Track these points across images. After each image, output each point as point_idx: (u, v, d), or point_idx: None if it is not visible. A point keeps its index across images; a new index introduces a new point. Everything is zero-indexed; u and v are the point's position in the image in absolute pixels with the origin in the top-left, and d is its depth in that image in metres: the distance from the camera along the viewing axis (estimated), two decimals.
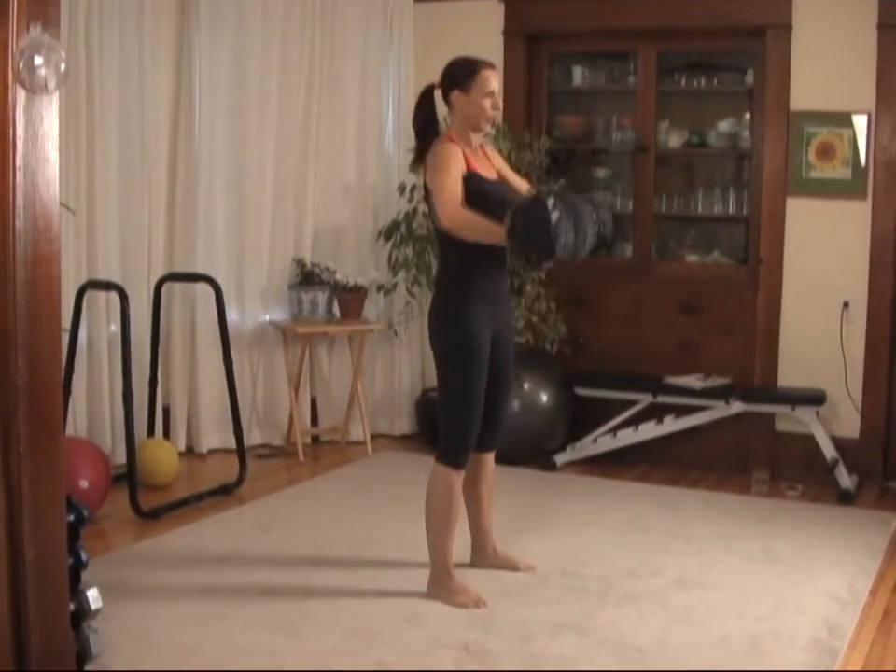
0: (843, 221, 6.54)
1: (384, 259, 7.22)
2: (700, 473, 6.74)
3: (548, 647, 4.21)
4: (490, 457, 4.92)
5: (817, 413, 6.42)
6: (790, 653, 4.17)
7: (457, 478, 4.63)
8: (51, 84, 3.18)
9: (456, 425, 4.60)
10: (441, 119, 4.74)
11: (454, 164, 4.50)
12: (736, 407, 6.56)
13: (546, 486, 6.40)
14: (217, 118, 6.91)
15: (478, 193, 4.51)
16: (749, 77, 6.86)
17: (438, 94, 4.71)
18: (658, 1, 6.80)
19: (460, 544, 4.81)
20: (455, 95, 4.63)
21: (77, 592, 3.84)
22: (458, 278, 4.61)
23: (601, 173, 7.44)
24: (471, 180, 4.53)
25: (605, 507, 6.02)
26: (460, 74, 4.65)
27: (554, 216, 4.24)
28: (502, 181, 4.79)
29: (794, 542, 5.44)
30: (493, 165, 4.80)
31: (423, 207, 7.02)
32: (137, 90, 6.54)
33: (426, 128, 4.70)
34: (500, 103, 4.73)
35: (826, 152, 6.54)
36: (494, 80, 4.64)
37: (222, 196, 6.98)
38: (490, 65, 4.67)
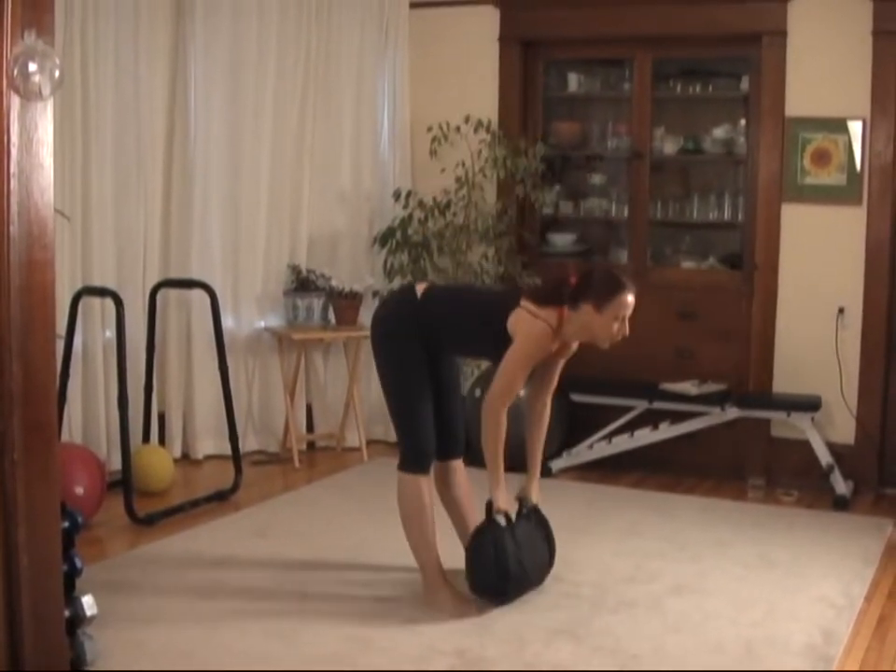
0: (838, 227, 6.55)
1: (379, 266, 7.22)
2: (696, 479, 6.74)
3: (543, 653, 4.21)
4: (458, 464, 4.93)
5: (812, 419, 6.42)
6: (785, 659, 4.17)
7: (424, 482, 4.66)
8: (46, 90, 3.19)
9: (407, 430, 4.65)
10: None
11: (536, 355, 4.52)
12: (732, 413, 6.56)
13: (541, 493, 6.36)
14: (212, 124, 6.91)
15: None
16: (745, 84, 6.86)
17: None
18: (653, 8, 6.81)
19: (454, 550, 4.81)
20: (587, 309, 4.45)
21: (71, 598, 3.84)
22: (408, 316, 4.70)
23: (596, 179, 7.44)
24: None
25: (600, 513, 6.02)
26: (600, 290, 4.46)
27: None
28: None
29: (790, 548, 5.44)
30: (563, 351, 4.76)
31: (418, 213, 7.05)
32: (132, 96, 6.54)
33: (561, 295, 4.53)
34: (628, 328, 4.51)
35: (821, 158, 6.54)
36: (630, 306, 4.47)
37: (217, 202, 6.97)
38: (632, 289, 4.47)
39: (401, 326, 4.68)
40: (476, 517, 4.93)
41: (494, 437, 4.55)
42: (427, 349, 4.65)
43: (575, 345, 4.76)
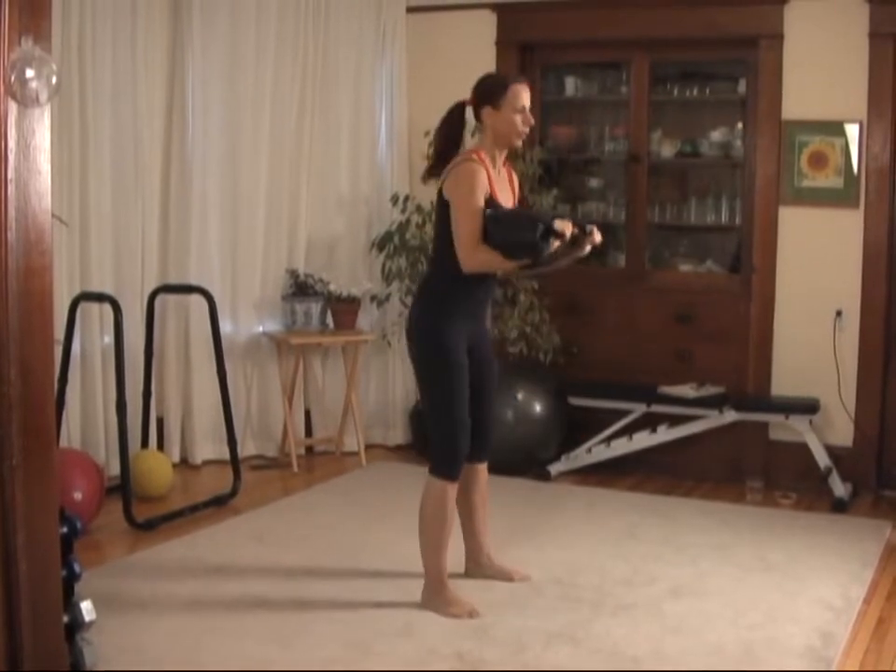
0: (835, 230, 6.55)
1: (377, 270, 7.23)
2: (694, 482, 6.74)
3: (542, 657, 4.21)
4: (482, 468, 4.92)
5: (810, 422, 6.43)
6: (784, 661, 4.18)
7: (451, 490, 4.63)
8: (43, 97, 3.18)
9: (445, 437, 4.60)
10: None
11: (479, 191, 4.51)
12: (730, 416, 6.56)
13: (540, 496, 6.40)
14: (210, 129, 6.92)
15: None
16: (742, 87, 6.87)
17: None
18: (651, 11, 6.82)
19: (454, 554, 4.81)
20: (487, 112, 4.64)
21: (70, 604, 3.83)
22: (444, 292, 4.62)
23: (594, 182, 7.45)
24: (489, 206, 4.53)
25: (599, 516, 6.02)
26: (491, 89, 4.65)
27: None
28: (518, 207, 4.84)
29: (788, 551, 5.45)
30: (513, 187, 4.81)
31: (416, 218, 7.04)
32: (130, 102, 6.54)
33: (448, 144, 4.72)
34: (531, 118, 4.68)
35: (818, 161, 6.55)
36: (525, 95, 4.63)
37: (215, 207, 6.98)
38: (521, 80, 4.67)
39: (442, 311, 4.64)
40: (487, 523, 4.98)
41: (487, 267, 4.55)
42: (468, 336, 4.64)
43: (515, 181, 4.87)
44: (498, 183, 4.66)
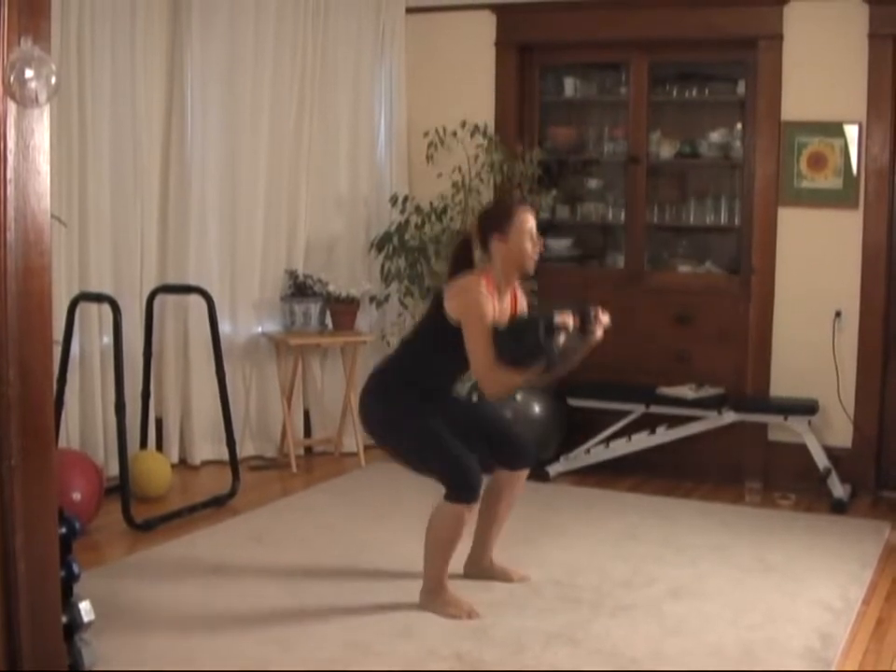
0: (835, 231, 6.55)
1: (376, 271, 7.23)
2: (693, 483, 6.74)
3: (541, 657, 4.21)
4: (520, 476, 4.88)
5: (809, 423, 6.43)
6: (783, 662, 4.18)
7: (467, 513, 4.56)
8: (42, 97, 3.18)
9: (446, 464, 4.54)
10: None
11: (488, 317, 4.51)
12: (729, 417, 6.56)
13: (539, 497, 6.39)
14: (209, 129, 6.92)
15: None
16: (741, 88, 6.87)
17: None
18: (650, 12, 6.82)
19: (454, 554, 4.81)
20: (495, 242, 4.61)
21: (69, 604, 3.83)
22: (413, 389, 4.66)
23: (593, 183, 7.44)
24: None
25: (598, 517, 6.02)
26: (497, 219, 4.63)
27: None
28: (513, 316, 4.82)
29: (787, 552, 5.45)
30: (515, 309, 4.78)
31: (415, 218, 7.06)
32: (129, 102, 6.54)
33: (460, 271, 4.69)
34: (540, 241, 4.68)
35: (817, 162, 6.55)
36: (531, 219, 4.63)
37: (214, 208, 6.98)
38: (524, 204, 4.71)
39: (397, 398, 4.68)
40: (502, 530, 4.99)
41: (508, 379, 4.52)
42: (428, 402, 4.66)
43: (523, 300, 4.84)
44: (502, 308, 4.65)
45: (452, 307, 4.56)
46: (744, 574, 5.15)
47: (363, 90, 7.39)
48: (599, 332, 4.66)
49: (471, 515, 4.61)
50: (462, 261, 4.74)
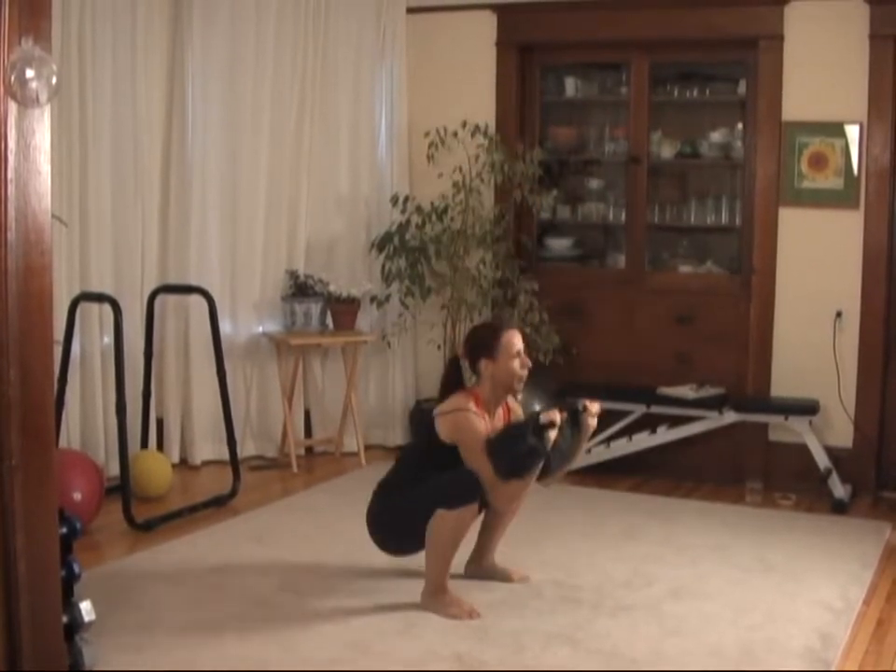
0: (835, 231, 6.55)
1: (377, 271, 7.23)
2: (694, 483, 6.74)
3: (541, 658, 4.21)
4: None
5: (810, 423, 6.43)
6: (783, 663, 4.17)
7: (469, 515, 4.58)
8: (43, 97, 3.19)
9: (438, 489, 4.56)
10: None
11: (481, 434, 4.55)
12: (730, 417, 6.56)
13: (539, 497, 6.34)
14: (209, 129, 6.92)
15: None
16: (742, 88, 6.87)
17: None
18: (651, 12, 6.82)
19: (458, 557, 4.81)
20: (483, 364, 4.64)
21: (69, 604, 3.84)
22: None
23: (594, 183, 7.44)
24: None
25: (598, 517, 6.02)
26: (484, 342, 4.65)
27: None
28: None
29: (788, 552, 5.45)
30: (510, 420, 4.80)
31: (416, 218, 7.06)
32: (130, 102, 6.54)
33: (451, 391, 4.71)
34: (528, 360, 4.69)
35: (818, 162, 6.55)
36: (518, 340, 4.65)
37: (215, 208, 6.98)
38: (511, 325, 4.75)
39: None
40: (506, 533, 5.01)
41: (513, 490, 4.59)
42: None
43: (518, 408, 4.90)
44: (490, 425, 4.68)
45: (443, 430, 4.60)
46: (744, 574, 5.15)
47: (364, 89, 7.39)
48: (593, 422, 4.72)
49: (473, 516, 4.61)
50: (453, 382, 4.76)
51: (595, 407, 4.71)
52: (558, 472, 4.78)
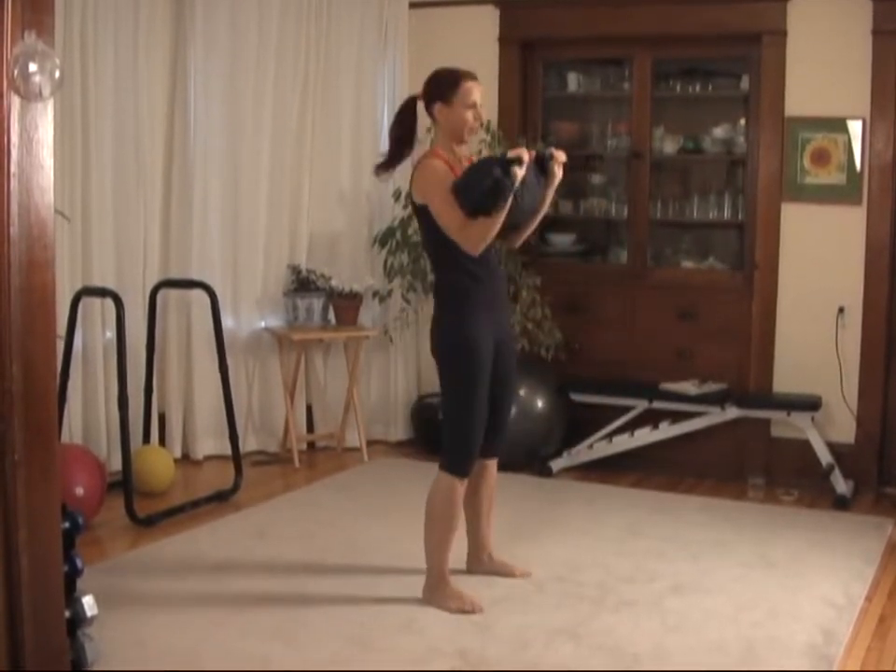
0: (838, 227, 6.55)
1: (379, 266, 7.22)
2: (696, 479, 6.74)
3: (544, 653, 4.21)
4: (492, 464, 4.92)
5: (812, 419, 6.42)
6: (785, 659, 4.17)
7: (460, 486, 4.62)
8: (46, 91, 3.18)
9: (460, 433, 4.59)
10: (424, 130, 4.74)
11: (447, 180, 4.50)
12: (732, 413, 6.56)
13: (542, 492, 6.40)
14: (211, 123, 6.91)
15: None
16: (744, 83, 6.86)
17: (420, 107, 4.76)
18: (653, 7, 6.81)
19: (455, 550, 4.81)
20: (438, 107, 4.67)
21: (72, 599, 3.84)
22: (457, 289, 4.60)
23: (596, 179, 7.44)
24: None
25: (600, 513, 6.02)
26: (443, 85, 4.68)
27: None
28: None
29: (790, 548, 5.44)
30: None
31: None
32: (132, 96, 6.54)
33: (402, 138, 4.78)
34: (482, 114, 4.70)
35: (821, 158, 6.54)
36: (476, 92, 4.64)
37: (217, 203, 6.98)
38: (472, 77, 4.68)
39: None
40: (491, 521, 4.99)
41: (481, 228, 4.44)
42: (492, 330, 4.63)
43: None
44: (460, 169, 4.63)
45: (417, 191, 4.59)
46: (746, 570, 5.15)
47: (366, 85, 7.38)
48: (559, 171, 4.68)
49: (463, 489, 4.64)
50: (405, 118, 4.82)
51: (561, 156, 4.67)
52: (526, 224, 4.74)
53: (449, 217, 4.46)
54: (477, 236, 4.45)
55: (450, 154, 4.65)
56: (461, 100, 4.61)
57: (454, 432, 4.61)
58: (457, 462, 4.60)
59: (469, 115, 4.62)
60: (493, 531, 5.05)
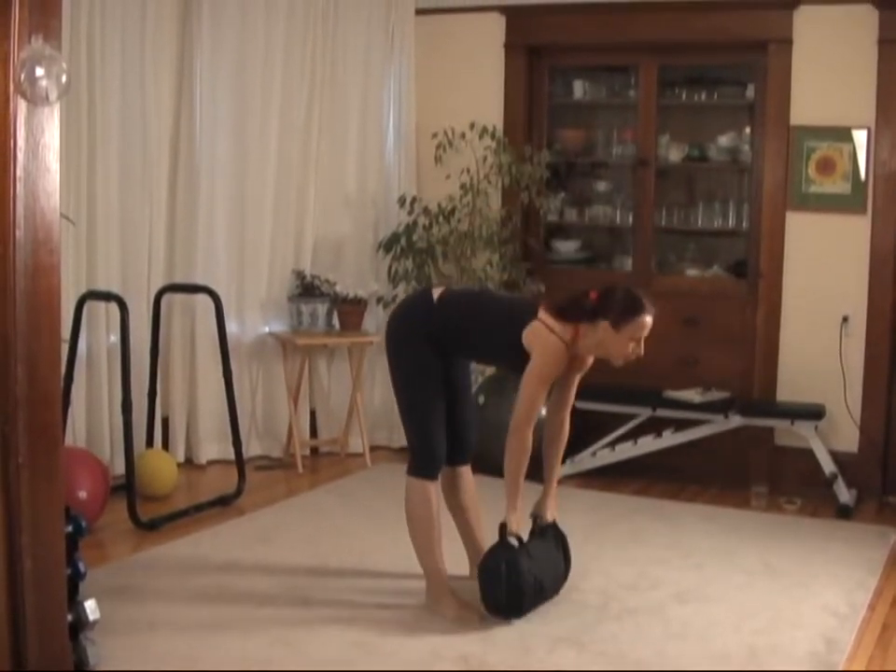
0: (843, 236, 6.55)
1: (383, 272, 7.22)
2: (699, 487, 6.73)
3: (546, 660, 4.21)
4: (466, 470, 4.93)
5: (816, 428, 6.42)
6: (788, 667, 4.17)
7: (432, 487, 4.65)
8: (52, 95, 3.20)
9: (418, 435, 4.65)
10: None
11: (552, 372, 4.50)
12: (735, 421, 6.55)
13: None
14: (218, 129, 6.92)
15: None
16: (750, 92, 6.86)
17: None
18: (659, 15, 6.81)
19: (456, 556, 4.81)
20: (604, 325, 4.44)
21: (74, 603, 3.84)
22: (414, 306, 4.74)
23: (601, 186, 7.45)
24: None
25: (604, 521, 6.02)
26: (619, 310, 4.43)
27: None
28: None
29: (793, 556, 5.44)
30: (583, 365, 4.73)
31: (423, 220, 7.05)
32: (138, 101, 6.54)
33: (582, 313, 4.50)
34: (642, 350, 4.53)
35: (826, 167, 6.55)
36: (648, 329, 4.47)
37: (223, 207, 6.98)
38: (651, 311, 4.46)
39: (415, 330, 4.64)
40: (482, 524, 4.96)
41: (517, 460, 4.53)
42: (440, 353, 4.63)
43: (590, 360, 4.72)
44: (566, 362, 4.58)
45: (529, 336, 4.47)
46: (749, 578, 5.14)
47: (372, 90, 7.38)
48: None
49: (437, 489, 4.67)
50: (577, 305, 4.52)
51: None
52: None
53: (529, 403, 4.47)
54: (518, 442, 4.51)
55: (580, 346, 4.53)
56: (630, 332, 4.44)
57: (415, 435, 4.68)
58: (423, 463, 4.64)
59: (631, 347, 4.48)
60: (487, 536, 5.04)
